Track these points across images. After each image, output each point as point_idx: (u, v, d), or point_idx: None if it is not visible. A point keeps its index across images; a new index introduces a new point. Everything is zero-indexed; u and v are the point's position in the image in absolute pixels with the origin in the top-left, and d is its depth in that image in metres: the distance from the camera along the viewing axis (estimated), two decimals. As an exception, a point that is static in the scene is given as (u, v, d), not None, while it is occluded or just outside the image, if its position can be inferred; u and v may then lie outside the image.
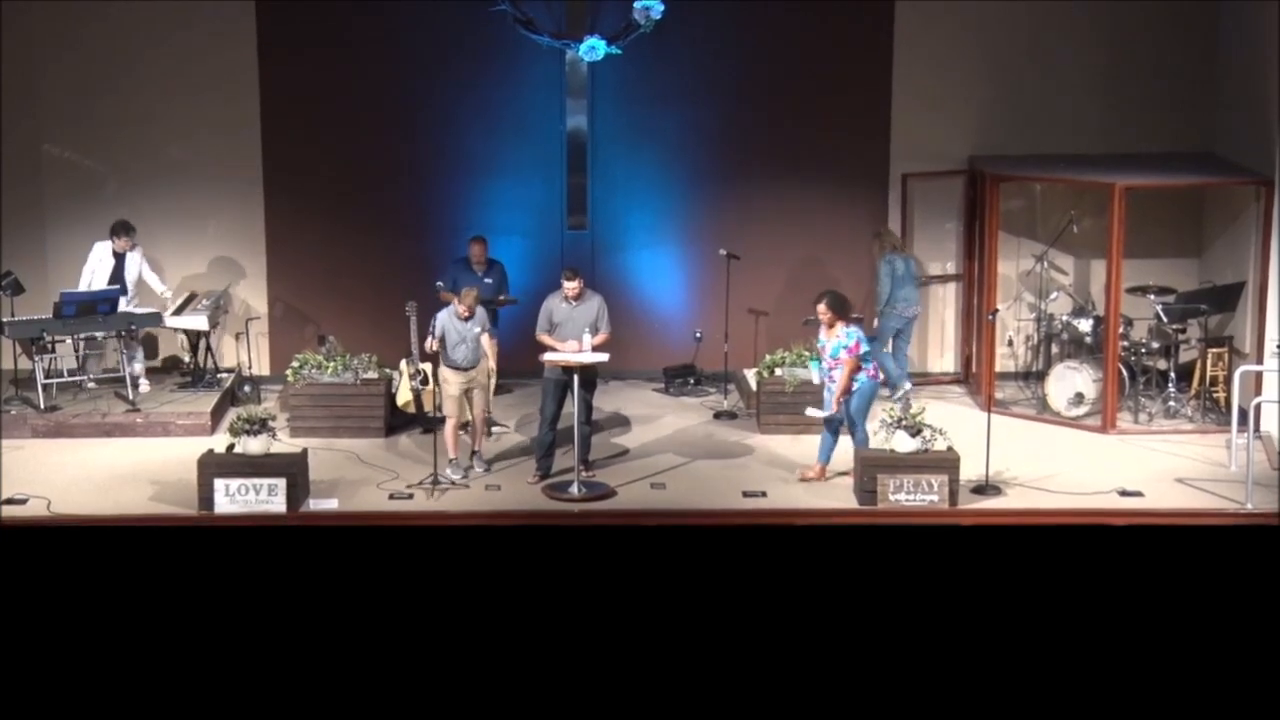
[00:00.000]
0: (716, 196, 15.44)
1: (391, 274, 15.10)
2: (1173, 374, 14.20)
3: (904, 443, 12.20)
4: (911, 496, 12.06)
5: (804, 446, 13.07)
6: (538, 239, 15.34)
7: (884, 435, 12.36)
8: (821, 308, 12.52)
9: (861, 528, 10.56)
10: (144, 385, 14.45)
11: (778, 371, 14.01)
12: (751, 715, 6.17)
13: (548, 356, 12.75)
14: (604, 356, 12.83)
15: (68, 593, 6.42)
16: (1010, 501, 12.29)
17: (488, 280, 14.17)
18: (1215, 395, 14.10)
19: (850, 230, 15.04)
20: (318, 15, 15.00)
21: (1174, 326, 14.14)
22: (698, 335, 15.27)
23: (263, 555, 6.77)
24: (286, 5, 14.98)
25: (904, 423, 12.24)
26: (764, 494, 12.50)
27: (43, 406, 13.87)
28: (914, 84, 15.17)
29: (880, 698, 6.19)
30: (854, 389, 12.44)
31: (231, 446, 12.31)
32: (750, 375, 14.60)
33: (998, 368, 14.69)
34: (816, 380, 12.80)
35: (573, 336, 12.75)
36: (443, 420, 12.87)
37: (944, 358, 15.64)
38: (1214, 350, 14.10)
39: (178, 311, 14.66)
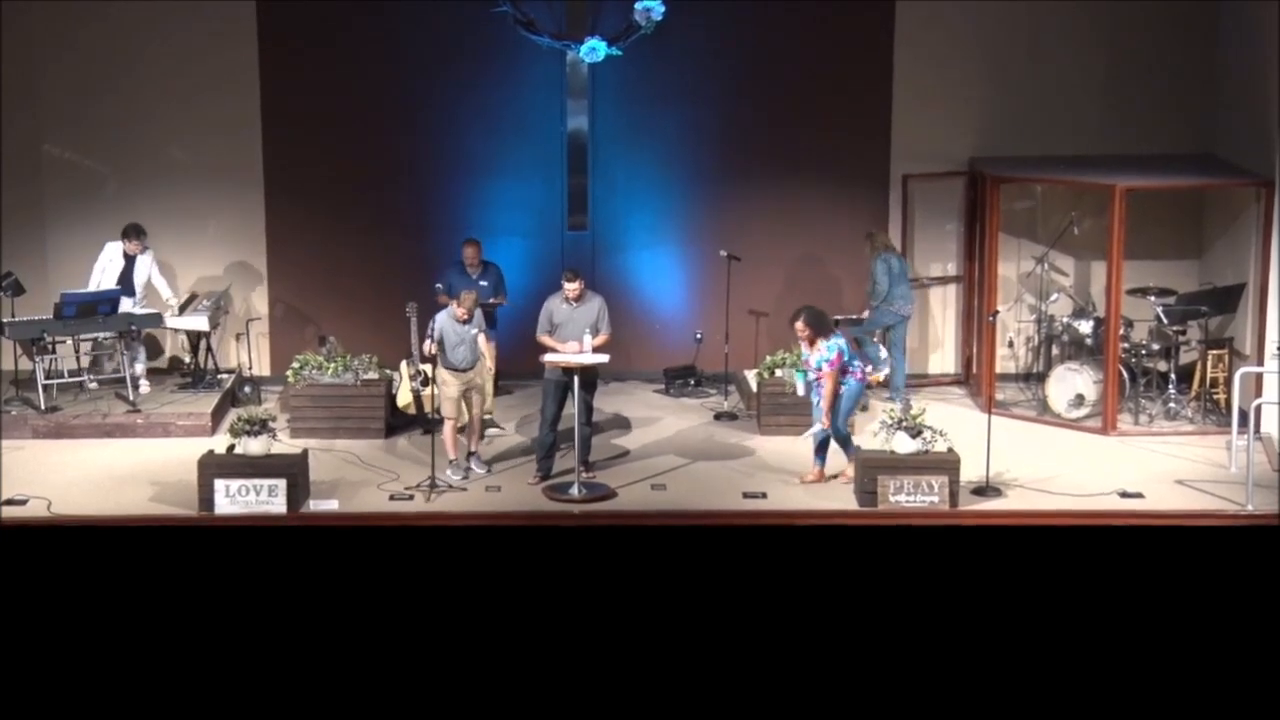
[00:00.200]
0: (717, 197, 15.44)
1: (392, 275, 15.10)
2: (1173, 375, 14.20)
3: (904, 444, 12.19)
4: (912, 498, 12.06)
5: (804, 448, 13.06)
6: (538, 240, 15.35)
7: (884, 436, 12.36)
8: (799, 325, 12.52)
9: (861, 528, 10.57)
10: (144, 386, 14.45)
11: (778, 373, 14.01)
12: (752, 715, 6.17)
13: (548, 358, 12.75)
14: (604, 358, 12.83)
15: (67, 593, 6.42)
16: (1011, 503, 12.28)
17: (482, 282, 14.14)
18: (1215, 397, 14.10)
19: (850, 231, 15.04)
20: (318, 15, 15.00)
21: (1174, 328, 14.14)
22: (698, 336, 15.26)
23: (263, 555, 6.77)
24: (287, 5, 14.98)
25: (904, 424, 12.24)
26: (764, 495, 12.50)
27: (43, 407, 13.87)
28: (914, 85, 15.17)
29: (881, 698, 6.19)
30: (841, 392, 12.46)
31: (232, 447, 12.31)
32: (751, 376, 14.60)
33: (998, 369, 14.69)
34: (801, 392, 12.80)
35: (573, 338, 12.75)
36: (442, 422, 12.87)
37: (944, 359, 15.64)
38: (1214, 352, 14.10)
39: (178, 312, 14.67)
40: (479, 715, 6.17)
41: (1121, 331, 13.99)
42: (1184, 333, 14.23)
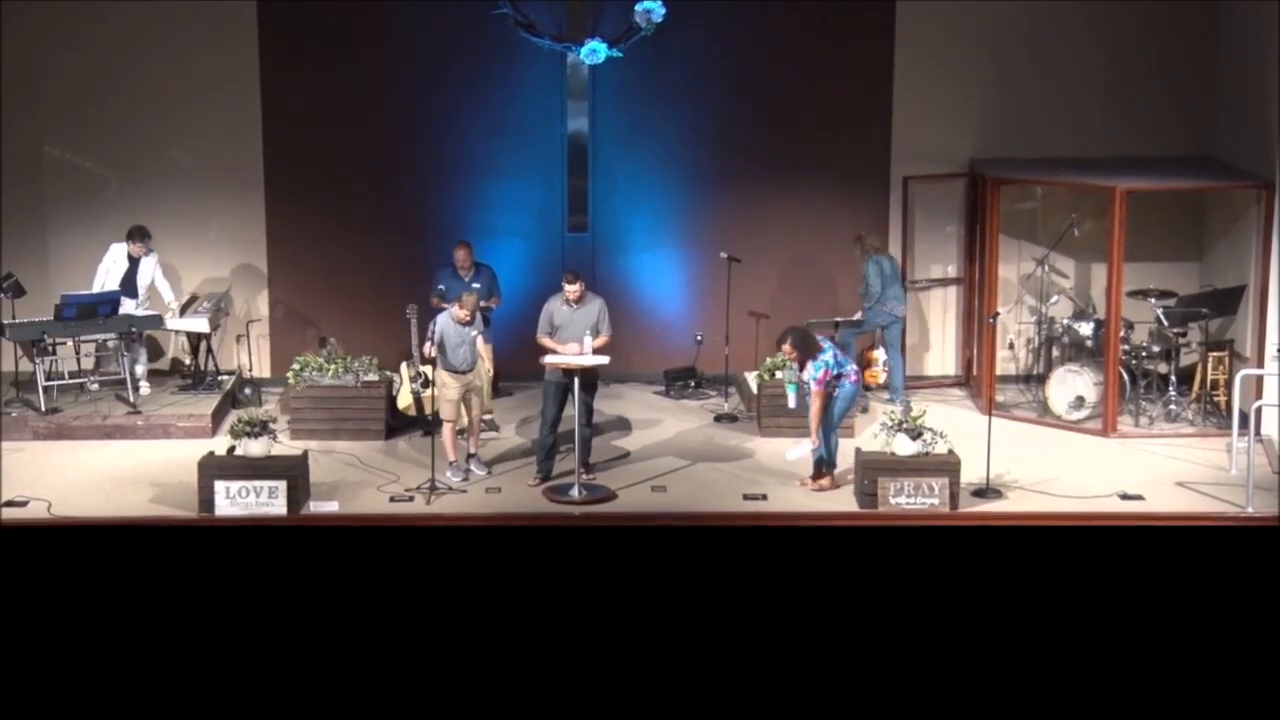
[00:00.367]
0: (717, 199, 15.44)
1: (392, 276, 15.10)
2: (1173, 377, 14.20)
3: (904, 446, 12.19)
4: (912, 500, 12.05)
5: (804, 450, 13.03)
6: (538, 241, 15.34)
7: (885, 438, 12.35)
8: (787, 348, 12.53)
9: (860, 529, 10.57)
10: (144, 387, 14.45)
11: (778, 374, 13.99)
12: (752, 716, 6.17)
13: (548, 359, 12.75)
14: (605, 359, 12.82)
15: (66, 594, 6.42)
16: (1011, 505, 12.28)
17: (475, 285, 14.13)
18: (1216, 399, 14.10)
19: (851, 233, 15.00)
20: (319, 17, 15.00)
21: (1175, 330, 14.14)
22: (698, 338, 15.26)
23: (264, 555, 6.76)
24: (288, 7, 14.98)
25: (905, 426, 12.24)
26: (764, 497, 12.50)
27: (43, 409, 13.87)
28: (915, 86, 15.17)
29: (881, 699, 6.19)
30: (836, 395, 12.45)
31: (232, 449, 12.31)
32: (751, 378, 14.60)
33: (998, 371, 14.69)
34: (793, 404, 12.78)
35: (573, 339, 12.74)
36: (442, 423, 12.87)
37: (945, 361, 15.63)
38: (1215, 354, 14.10)
39: (179, 314, 14.67)
40: (479, 716, 6.17)
41: (1122, 333, 13.99)
42: (1184, 335, 14.23)
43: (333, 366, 13.94)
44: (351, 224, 15.31)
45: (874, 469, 12.18)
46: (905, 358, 14.95)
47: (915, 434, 12.20)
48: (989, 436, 12.47)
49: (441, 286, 14.09)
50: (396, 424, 14.02)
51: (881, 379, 14.93)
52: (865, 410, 14.19)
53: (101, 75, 14.99)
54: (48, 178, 15.10)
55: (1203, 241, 15.23)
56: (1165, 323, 14.14)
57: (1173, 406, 14.08)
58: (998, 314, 14.27)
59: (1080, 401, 14.03)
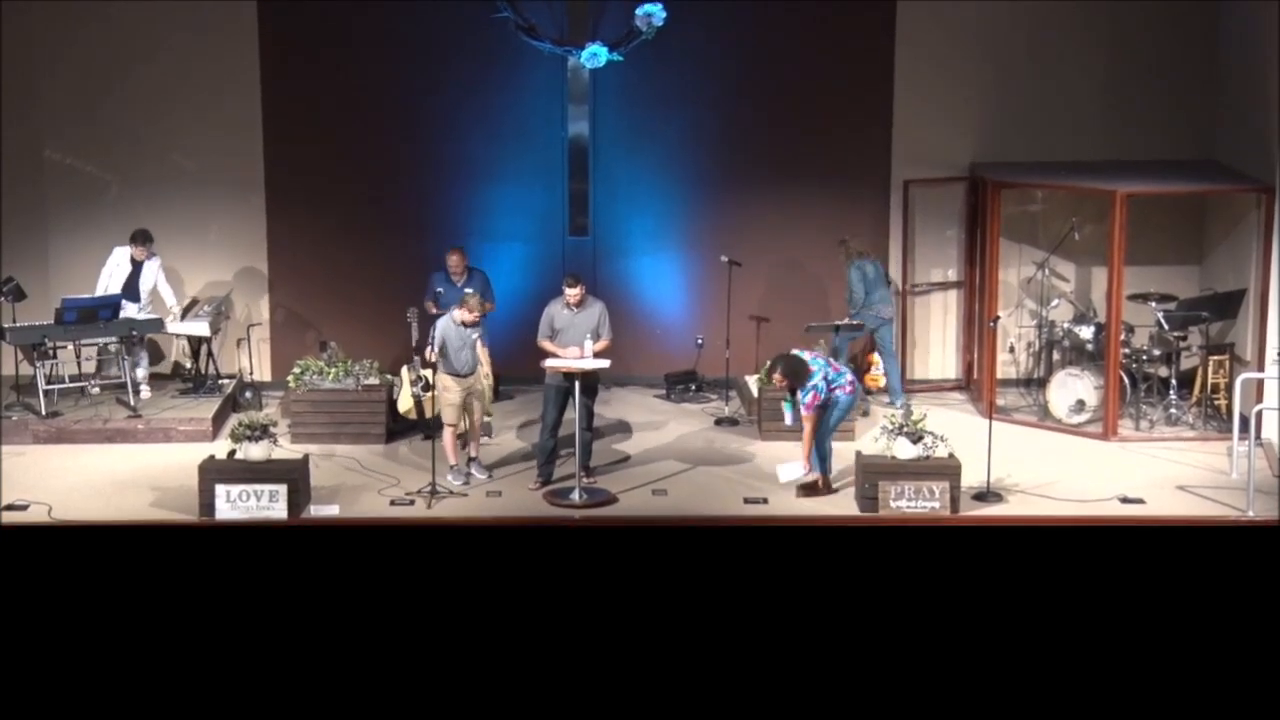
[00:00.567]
0: (718, 203, 15.44)
1: (393, 280, 15.09)
2: (1174, 381, 14.20)
3: (905, 449, 12.19)
4: (913, 503, 12.05)
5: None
6: (539, 245, 15.35)
7: (885, 442, 12.35)
8: (777, 377, 12.52)
9: (861, 529, 10.57)
10: (145, 391, 14.45)
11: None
12: (752, 717, 6.17)
13: (549, 363, 12.75)
14: (605, 363, 12.83)
15: (66, 595, 6.42)
16: (1011, 509, 12.28)
17: (468, 290, 14.11)
18: (1216, 402, 14.10)
19: (851, 237, 14.99)
20: (319, 20, 15.01)
21: (1175, 333, 14.14)
22: (699, 341, 15.27)
23: (264, 557, 6.77)
24: (288, 10, 14.99)
25: (905, 429, 12.24)
26: (765, 500, 12.50)
27: (44, 412, 13.87)
28: (916, 87, 15.17)
29: (882, 699, 6.19)
30: (833, 403, 12.44)
31: (233, 452, 12.31)
32: (751, 381, 14.60)
33: (999, 374, 14.69)
34: (790, 421, 12.76)
35: (574, 343, 12.75)
36: (443, 427, 12.87)
37: (945, 364, 15.64)
38: (1215, 357, 14.10)
39: (179, 318, 14.67)
40: (479, 718, 6.17)
41: (1122, 337, 13.99)
42: (1185, 338, 14.23)
43: (333, 370, 13.94)
44: (352, 227, 15.32)
45: (875, 472, 12.18)
46: (900, 359, 14.97)
47: (916, 437, 12.20)
48: (990, 440, 12.47)
49: (440, 290, 14.11)
50: (397, 428, 14.02)
51: (882, 383, 14.93)
52: (866, 414, 14.20)
53: (102, 78, 15.00)
54: (48, 181, 15.11)
55: (1203, 245, 15.23)
56: (1166, 326, 14.14)
57: (1173, 410, 14.09)
58: (998, 318, 14.27)
59: (1081, 405, 14.03)
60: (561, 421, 12.84)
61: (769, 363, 12.85)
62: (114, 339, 14.24)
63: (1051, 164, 14.92)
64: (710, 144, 15.35)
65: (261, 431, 12.27)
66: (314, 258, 15.33)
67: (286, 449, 13.11)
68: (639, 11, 14.45)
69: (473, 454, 13.02)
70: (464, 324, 12.69)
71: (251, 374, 14.98)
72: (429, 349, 12.76)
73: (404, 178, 15.31)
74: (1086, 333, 14.36)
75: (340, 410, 13.86)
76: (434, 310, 13.88)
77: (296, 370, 14.03)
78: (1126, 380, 14.10)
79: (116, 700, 6.14)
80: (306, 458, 12.67)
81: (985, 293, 14.67)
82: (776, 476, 12.54)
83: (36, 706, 6.11)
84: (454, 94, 15.20)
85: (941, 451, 12.25)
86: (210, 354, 14.78)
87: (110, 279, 14.43)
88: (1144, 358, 14.15)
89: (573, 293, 12.86)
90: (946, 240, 15.49)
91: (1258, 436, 12.56)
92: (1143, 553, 6.74)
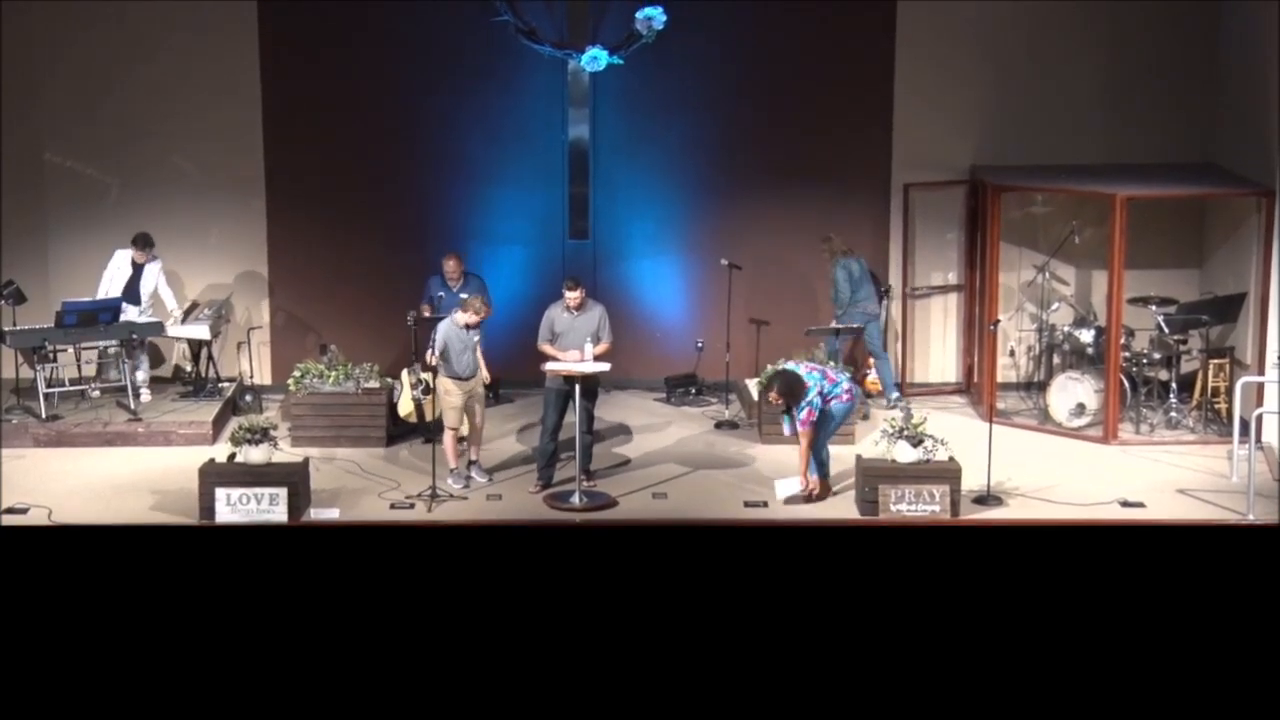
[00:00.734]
0: (718, 206, 15.44)
1: (394, 283, 15.09)
2: (1174, 385, 14.20)
3: (905, 453, 12.18)
4: (913, 507, 12.05)
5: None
6: (539, 248, 15.35)
7: (885, 445, 12.35)
8: (773, 395, 12.50)
9: (861, 529, 10.57)
10: (145, 394, 14.45)
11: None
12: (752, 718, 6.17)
13: (549, 366, 12.75)
14: (605, 366, 12.83)
15: (66, 599, 6.42)
16: (1012, 512, 12.27)
17: (464, 295, 14.11)
18: (1217, 406, 14.10)
19: (851, 240, 15.00)
20: (320, 23, 15.01)
21: (1175, 337, 14.14)
22: (699, 345, 15.27)
23: (264, 560, 6.76)
24: (288, 10, 14.99)
25: (905, 433, 12.23)
26: (765, 504, 12.49)
27: (44, 415, 13.87)
28: (916, 89, 15.17)
29: (882, 700, 6.18)
30: (830, 411, 12.42)
31: (233, 456, 12.30)
32: (752, 385, 14.59)
33: (999, 378, 14.69)
34: (788, 432, 12.74)
35: (574, 346, 12.75)
36: (442, 430, 12.87)
37: (946, 368, 15.63)
38: (1215, 361, 14.10)
39: (180, 321, 14.67)
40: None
41: (1123, 340, 13.98)
42: (1185, 342, 14.22)
43: (334, 373, 13.93)
44: (353, 231, 15.32)
45: (875, 476, 12.18)
46: (889, 356, 14.97)
47: (916, 441, 12.20)
48: (990, 444, 12.47)
49: (440, 294, 14.10)
50: (397, 431, 14.02)
51: (880, 386, 14.93)
52: (866, 417, 14.19)
53: (102, 79, 15.00)
54: (48, 184, 15.11)
55: (1203, 248, 15.23)
56: (1166, 330, 14.14)
57: (1173, 414, 14.08)
58: (998, 321, 14.27)
59: (1081, 408, 14.03)
60: (562, 425, 12.84)
61: (764, 380, 12.83)
62: (114, 342, 14.24)
63: (1051, 167, 14.93)
64: (710, 147, 15.35)
65: (262, 435, 12.27)
66: (314, 261, 15.33)
67: (287, 452, 13.11)
68: (639, 15, 14.46)
69: (473, 457, 13.01)
70: (466, 326, 12.69)
71: (252, 377, 14.98)
72: (430, 352, 12.75)
73: (404, 181, 15.31)
74: (1087, 336, 14.36)
75: (340, 413, 13.86)
76: (429, 314, 13.88)
77: (297, 373, 14.03)
78: (1127, 384, 14.10)
79: (118, 703, 6.14)
80: (307, 461, 12.67)
81: (985, 296, 14.67)
82: (775, 493, 12.52)
83: (38, 708, 6.11)
84: (454, 97, 15.20)
85: (942, 455, 12.25)
86: (210, 357, 14.78)
87: (111, 282, 14.44)
88: (1144, 361, 14.15)
89: (573, 296, 12.86)
90: (946, 243, 15.49)
91: (1258, 440, 12.56)
92: (1143, 556, 6.74)
